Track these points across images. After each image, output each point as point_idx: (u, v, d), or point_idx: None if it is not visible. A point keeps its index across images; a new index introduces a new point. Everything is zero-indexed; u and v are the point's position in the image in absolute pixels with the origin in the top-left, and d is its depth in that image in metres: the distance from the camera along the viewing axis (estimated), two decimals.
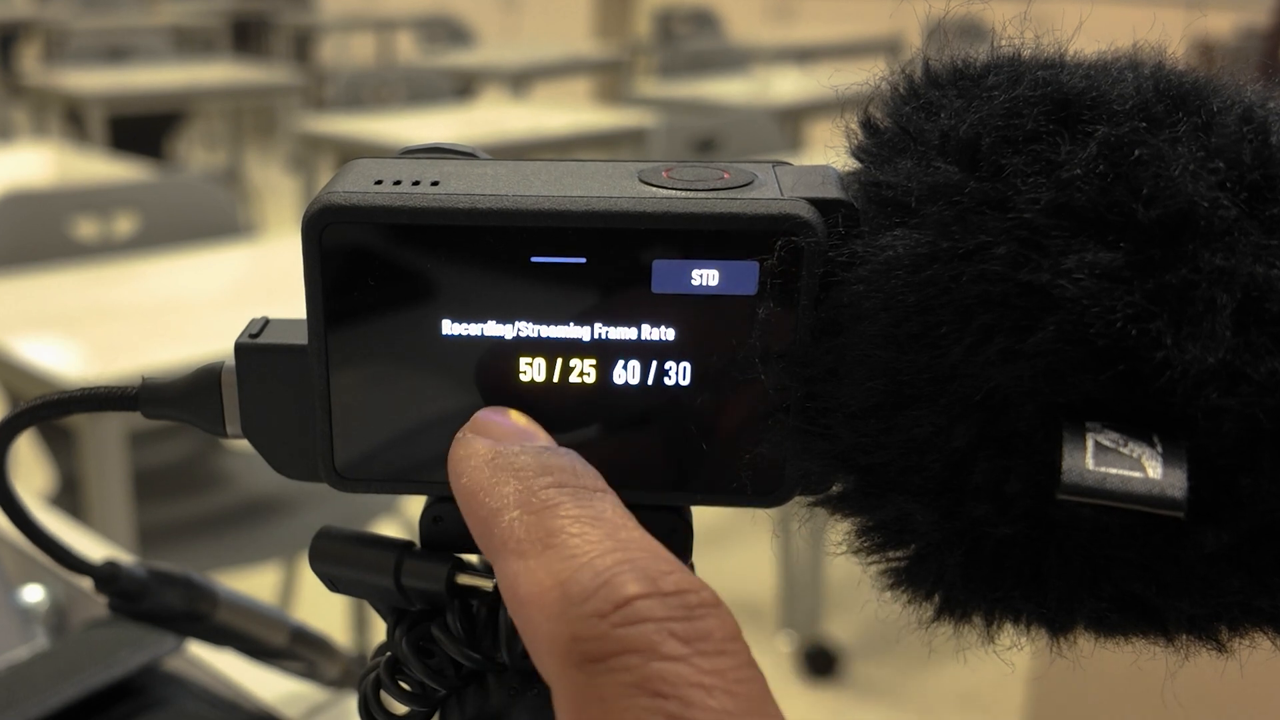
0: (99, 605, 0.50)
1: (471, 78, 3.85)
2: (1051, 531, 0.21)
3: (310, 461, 0.28)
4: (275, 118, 4.41)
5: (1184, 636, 0.22)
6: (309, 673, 0.50)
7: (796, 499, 0.26)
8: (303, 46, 5.71)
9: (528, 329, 0.25)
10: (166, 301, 1.43)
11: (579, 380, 0.25)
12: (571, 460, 0.23)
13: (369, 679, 0.29)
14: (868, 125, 0.25)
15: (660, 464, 0.26)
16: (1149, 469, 0.20)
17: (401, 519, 1.65)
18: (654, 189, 0.25)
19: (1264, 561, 0.21)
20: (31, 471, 1.82)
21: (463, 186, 0.25)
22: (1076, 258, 0.20)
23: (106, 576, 0.40)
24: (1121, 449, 0.20)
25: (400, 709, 0.29)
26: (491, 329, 0.25)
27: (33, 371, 1.20)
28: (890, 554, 0.23)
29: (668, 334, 0.25)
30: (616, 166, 0.26)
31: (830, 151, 0.25)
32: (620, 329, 0.25)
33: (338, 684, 0.52)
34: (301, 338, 0.26)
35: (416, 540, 0.28)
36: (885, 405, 0.22)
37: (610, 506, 0.22)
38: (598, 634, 0.19)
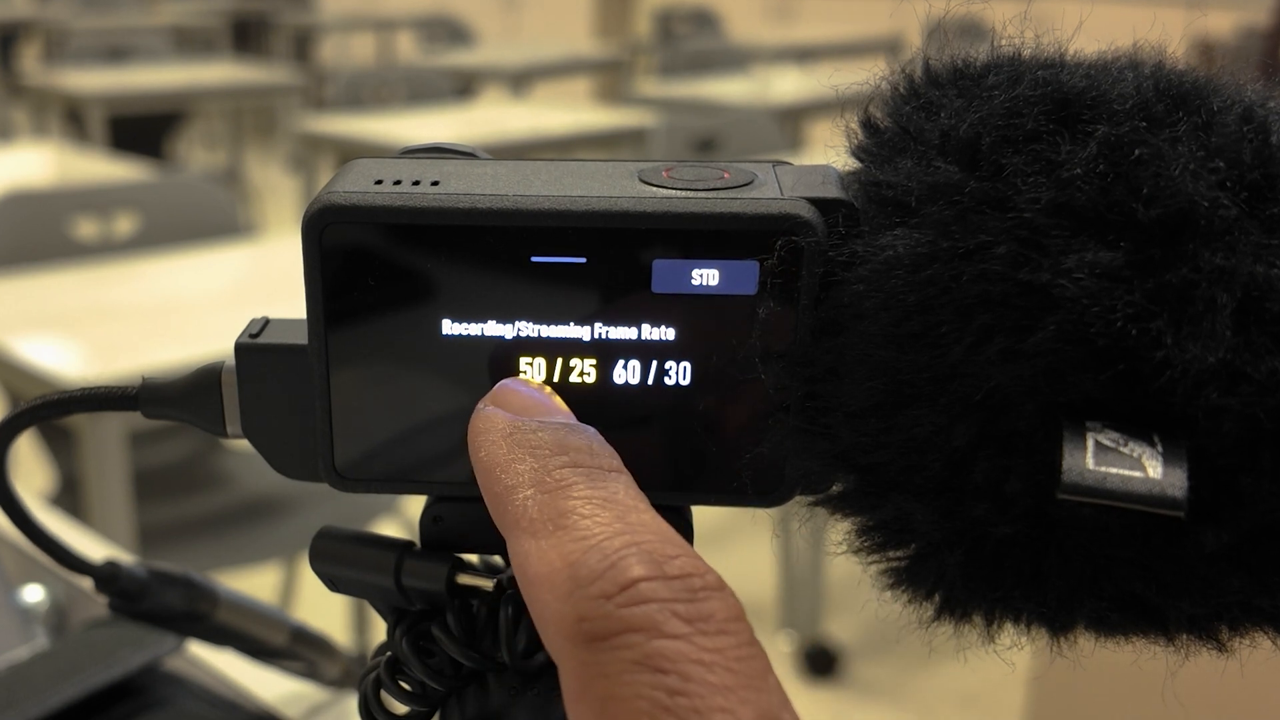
0: (99, 605, 0.50)
1: (471, 78, 3.85)
2: (1052, 531, 0.21)
3: (310, 461, 0.28)
4: (275, 118, 4.41)
5: (1184, 636, 0.22)
6: (309, 673, 0.50)
7: (797, 499, 0.26)
8: (303, 46, 5.71)
9: (528, 329, 0.25)
10: (166, 301, 1.43)
11: (579, 380, 0.25)
12: (589, 439, 0.23)
13: (369, 679, 0.29)
14: (868, 125, 0.25)
15: (660, 464, 0.26)
16: (1149, 468, 0.20)
17: (401, 519, 1.65)
18: (654, 189, 0.25)
19: (1264, 561, 0.21)
20: (31, 471, 1.82)
21: (463, 186, 0.25)
22: (1077, 257, 0.20)
23: (107, 576, 0.40)
24: (1122, 448, 0.20)
25: (400, 709, 0.29)
26: (491, 329, 0.25)
27: (33, 371, 1.20)
28: (890, 553, 0.23)
29: (668, 334, 0.25)
30: (617, 166, 0.26)
31: (830, 151, 0.25)
32: (620, 329, 0.25)
33: (338, 684, 0.52)
34: (302, 338, 0.26)
35: (416, 540, 0.28)
36: (885, 405, 0.22)
37: (623, 488, 0.22)
38: (603, 614, 0.19)
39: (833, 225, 0.24)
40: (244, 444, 0.28)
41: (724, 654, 0.19)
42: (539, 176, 0.25)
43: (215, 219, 1.70)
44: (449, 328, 0.25)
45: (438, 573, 0.28)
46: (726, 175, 0.25)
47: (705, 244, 0.24)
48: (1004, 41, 0.24)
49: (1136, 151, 0.21)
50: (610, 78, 4.98)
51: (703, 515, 0.27)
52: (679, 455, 0.26)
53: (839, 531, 0.24)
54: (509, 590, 0.28)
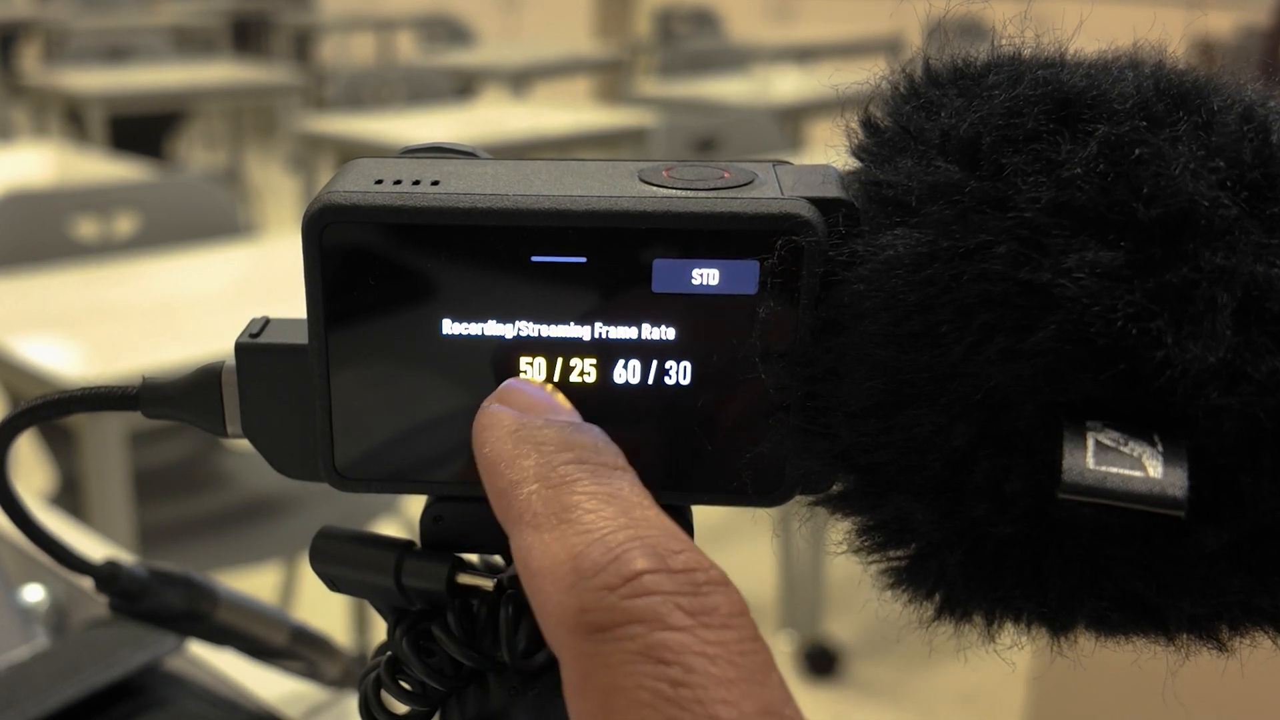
0: (99, 605, 0.50)
1: (471, 77, 3.85)
2: (1052, 531, 0.21)
3: (310, 461, 0.28)
4: (275, 118, 4.41)
5: (1185, 636, 0.22)
6: (309, 672, 0.50)
7: (797, 498, 0.26)
8: (303, 46, 5.71)
9: (528, 329, 0.25)
10: (166, 301, 1.43)
11: (579, 380, 0.25)
12: (594, 436, 0.23)
13: (369, 678, 0.29)
14: (868, 124, 0.25)
15: (661, 463, 0.26)
16: (1149, 468, 0.20)
17: (401, 519, 1.65)
18: (654, 188, 0.24)
19: (1265, 561, 0.21)
20: (32, 471, 1.82)
21: (463, 186, 0.25)
22: (1077, 257, 0.20)
23: (107, 576, 0.40)
24: (1122, 448, 0.20)
25: (401, 708, 0.29)
26: (492, 328, 0.25)
27: (33, 371, 1.20)
28: (891, 553, 0.23)
29: (668, 333, 0.25)
30: (617, 166, 0.26)
31: (830, 151, 0.25)
32: (620, 328, 0.25)
33: (338, 684, 0.52)
34: (302, 337, 0.26)
35: (417, 540, 0.28)
36: (885, 404, 0.22)
37: (628, 485, 0.22)
38: (605, 605, 0.19)
39: (833, 225, 0.24)
40: (244, 444, 0.28)
41: (727, 647, 0.19)
42: (539, 176, 0.25)
43: (215, 219, 1.70)
44: (449, 327, 0.25)
45: (438, 572, 0.28)
46: (727, 175, 0.25)
47: (705, 244, 0.24)
48: (1004, 41, 0.24)
49: (1137, 151, 0.21)
50: (610, 78, 4.98)
51: (703, 515, 0.27)
52: (679, 455, 0.26)
53: (839, 531, 0.24)
54: (509, 590, 0.28)
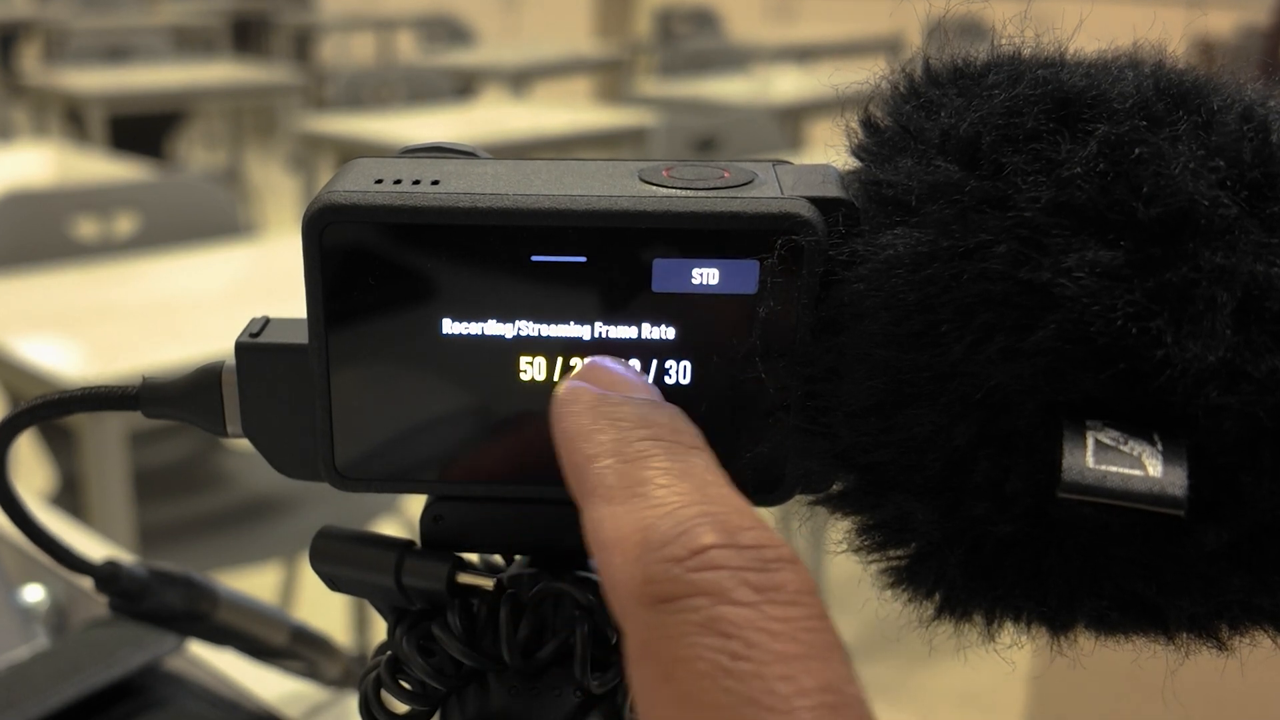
0: (99, 605, 0.50)
1: (471, 77, 3.85)
2: (1052, 530, 0.21)
3: (311, 461, 0.28)
4: (275, 118, 4.41)
5: (1184, 635, 0.22)
6: (309, 672, 0.50)
7: (797, 498, 0.26)
8: (303, 46, 5.71)
9: (528, 328, 0.25)
10: (166, 301, 1.43)
11: None
12: (672, 416, 0.23)
13: (370, 678, 0.29)
14: (868, 124, 0.25)
15: None
16: (1149, 467, 0.20)
17: (402, 519, 1.65)
18: (654, 188, 0.25)
19: (1264, 560, 0.21)
20: (32, 471, 1.82)
21: (463, 186, 0.25)
22: (1077, 256, 0.20)
23: (107, 576, 0.40)
24: (1122, 447, 0.20)
25: (401, 708, 0.29)
26: (492, 328, 0.25)
27: (33, 371, 1.20)
28: (890, 553, 0.23)
29: (668, 333, 0.25)
30: (617, 165, 0.26)
31: (830, 150, 0.25)
32: (620, 328, 0.25)
33: (338, 683, 0.52)
34: (302, 337, 0.26)
35: (417, 539, 0.28)
36: (885, 404, 0.22)
37: (703, 463, 0.22)
38: (671, 576, 0.19)
39: (833, 224, 0.24)
40: (244, 444, 0.28)
41: (791, 624, 0.19)
42: (539, 176, 0.25)
43: (215, 219, 1.70)
44: (449, 327, 0.25)
45: (438, 572, 0.28)
46: (727, 174, 0.25)
47: (705, 243, 0.24)
48: (1004, 41, 0.24)
49: (1137, 150, 0.21)
50: (610, 77, 4.98)
51: None
52: None
53: (839, 530, 0.24)
54: (509, 589, 0.28)
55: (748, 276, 0.24)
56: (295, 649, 0.48)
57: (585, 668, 0.27)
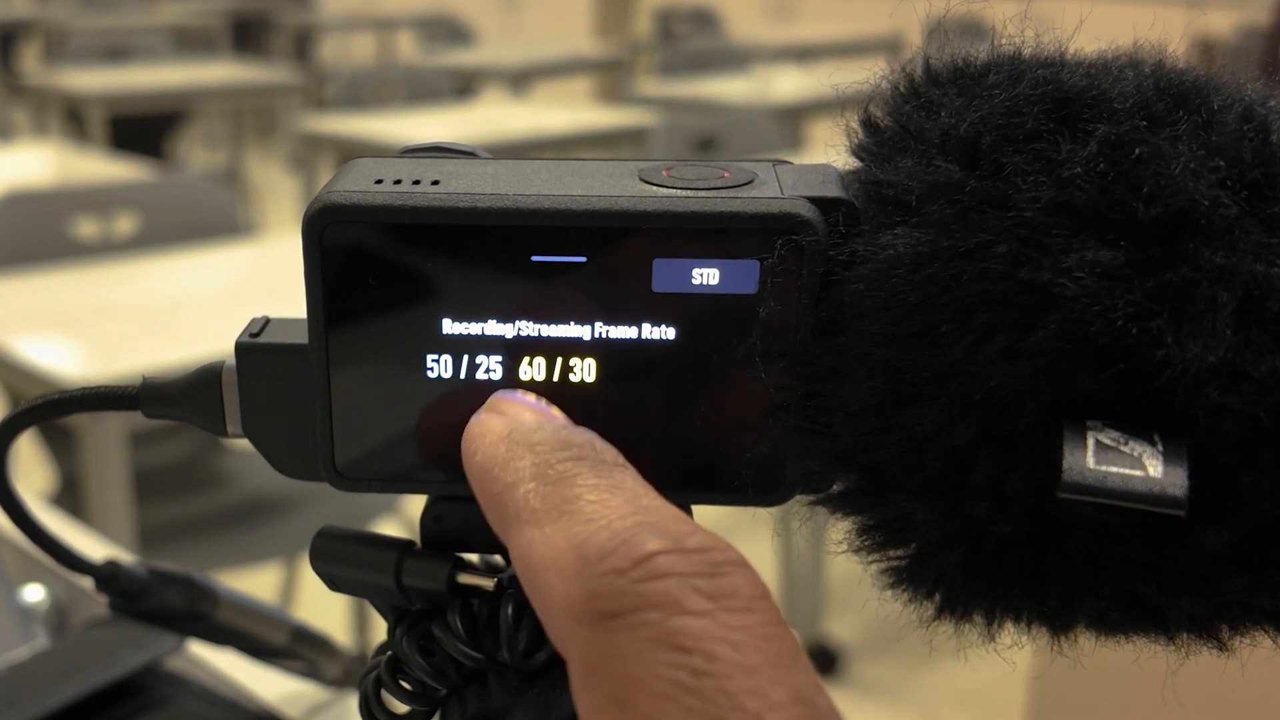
0: (100, 605, 0.50)
1: (471, 77, 3.85)
2: (1052, 530, 0.21)
3: (311, 461, 0.28)
4: (275, 117, 4.41)
5: (1185, 635, 0.22)
6: (310, 672, 0.50)
7: (797, 498, 0.26)
8: (303, 46, 5.71)
9: (528, 328, 0.25)
10: (166, 301, 1.43)
11: (579, 380, 0.25)
12: (590, 437, 0.22)
13: (370, 678, 0.29)
14: (868, 124, 0.25)
15: (661, 463, 0.26)
16: (1149, 467, 0.20)
17: (402, 519, 1.65)
18: (654, 188, 0.24)
19: (1265, 560, 0.21)
20: (32, 471, 1.82)
21: (463, 186, 0.25)
22: (1077, 256, 0.20)
23: (107, 576, 0.40)
24: (1122, 447, 0.20)
25: (401, 708, 0.29)
26: (492, 328, 0.25)
27: (33, 371, 1.20)
28: (891, 553, 0.23)
29: (668, 333, 0.25)
30: (617, 165, 0.26)
31: (831, 150, 0.25)
32: (620, 328, 0.25)
33: (338, 683, 0.52)
34: (302, 337, 0.26)
35: (417, 539, 0.28)
36: (886, 404, 0.22)
37: (630, 478, 0.21)
38: (616, 590, 0.18)
39: (833, 224, 0.23)
40: (244, 444, 0.28)
41: (750, 632, 0.18)
42: (539, 176, 0.25)
43: (215, 219, 1.70)
44: (449, 327, 0.25)
45: (439, 572, 0.28)
46: (727, 174, 0.25)
47: (705, 243, 0.24)
48: (1004, 40, 0.24)
49: (1137, 150, 0.21)
50: (610, 77, 4.98)
51: (703, 515, 0.27)
52: (679, 454, 0.26)
53: (839, 531, 0.24)
54: (510, 589, 0.28)
55: (748, 276, 0.24)
56: (295, 649, 0.48)
57: None
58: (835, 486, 0.24)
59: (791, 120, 3.26)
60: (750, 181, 0.25)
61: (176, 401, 0.29)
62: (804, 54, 4.46)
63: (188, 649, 0.54)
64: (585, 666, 0.18)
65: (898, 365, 0.21)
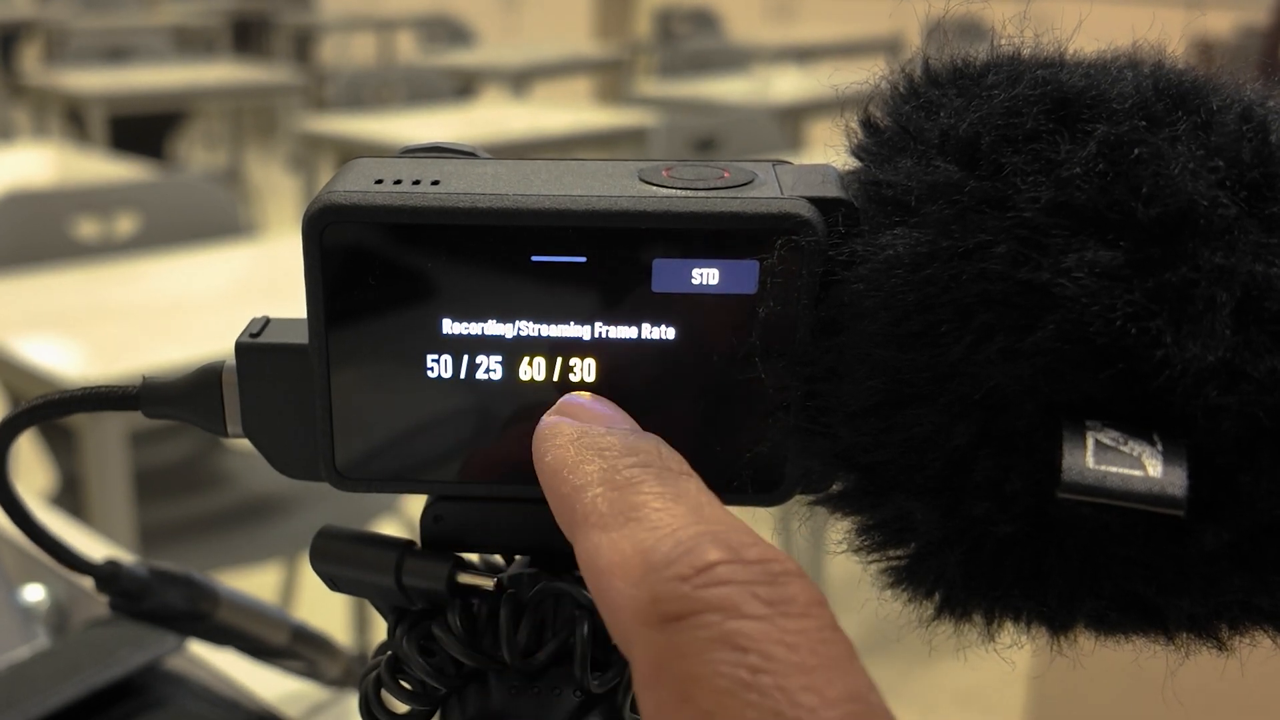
0: (100, 605, 0.50)
1: (472, 77, 3.85)
2: (1052, 530, 0.21)
3: (311, 461, 0.28)
4: (275, 118, 4.41)
5: (1184, 635, 0.22)
6: (310, 672, 0.50)
7: (797, 498, 0.26)
8: (303, 46, 5.71)
9: (528, 328, 0.25)
10: (167, 301, 1.43)
11: (579, 380, 0.25)
12: (656, 444, 0.23)
13: (370, 678, 0.29)
14: (868, 124, 0.25)
15: None
16: (1149, 467, 0.20)
17: (402, 519, 1.65)
18: (654, 188, 0.25)
19: (1264, 559, 0.21)
20: (32, 471, 1.82)
21: (463, 186, 0.25)
22: (1076, 256, 0.20)
23: (107, 576, 0.40)
24: (1121, 447, 0.20)
25: (401, 708, 0.29)
26: (492, 328, 0.25)
27: (33, 371, 1.20)
28: (890, 552, 0.23)
29: (668, 333, 0.25)
30: (617, 166, 0.26)
31: (830, 151, 0.25)
32: (620, 328, 0.25)
33: (339, 683, 0.52)
34: (302, 337, 0.26)
35: (417, 539, 0.28)
36: (885, 404, 0.22)
37: (694, 487, 0.22)
38: (679, 594, 0.19)
39: (833, 224, 0.24)
40: (244, 444, 0.28)
41: (807, 635, 0.18)
42: (539, 176, 0.25)
43: (215, 219, 1.70)
44: (449, 327, 0.25)
45: (439, 572, 0.28)
46: (726, 174, 0.25)
47: (705, 243, 0.24)
48: (1003, 41, 0.24)
49: (1136, 151, 0.21)
50: (610, 78, 4.98)
51: None
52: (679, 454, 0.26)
53: (839, 530, 0.24)
54: (509, 589, 0.28)
55: (748, 276, 0.24)
56: (295, 649, 0.48)
57: (585, 668, 0.27)
58: (835, 486, 0.24)
59: (791, 120, 3.26)
60: (750, 182, 0.25)
61: (176, 401, 0.29)
62: (804, 54, 4.46)
63: (188, 649, 0.54)
64: (650, 666, 0.19)
65: (897, 365, 0.21)
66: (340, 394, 0.26)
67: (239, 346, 0.28)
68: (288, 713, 0.55)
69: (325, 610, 1.14)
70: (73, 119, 3.52)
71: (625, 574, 0.20)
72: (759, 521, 0.28)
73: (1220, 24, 3.63)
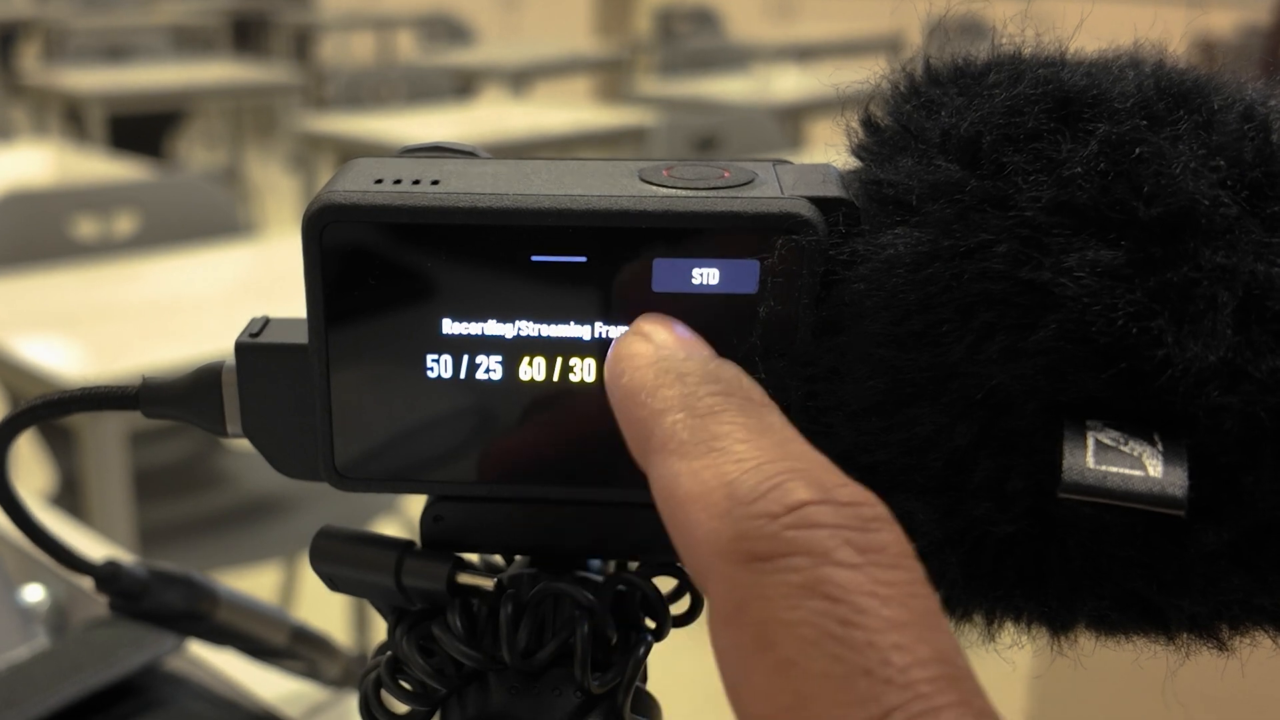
0: (100, 605, 0.50)
1: (471, 76, 3.85)
2: (1052, 530, 0.21)
3: (310, 461, 0.28)
4: (275, 117, 4.41)
5: (1185, 635, 0.22)
6: (309, 672, 0.50)
7: None
8: (303, 45, 5.71)
9: (528, 328, 0.25)
10: (166, 301, 1.43)
11: (579, 380, 0.25)
12: (737, 372, 0.22)
13: (370, 678, 0.29)
14: (868, 123, 0.25)
15: None
16: (1150, 467, 0.20)
17: (402, 519, 1.65)
18: (654, 187, 0.24)
19: (1265, 559, 0.21)
20: (32, 471, 1.82)
21: (463, 185, 0.25)
22: (1078, 256, 0.20)
23: (107, 576, 0.40)
24: (1122, 447, 0.20)
25: (401, 708, 0.29)
26: (492, 328, 0.25)
27: (33, 371, 1.20)
28: None
29: None
30: (617, 165, 0.26)
31: (831, 150, 0.25)
32: (621, 328, 0.25)
33: (338, 683, 0.52)
34: (302, 337, 0.26)
35: (417, 539, 0.28)
36: (886, 404, 0.22)
37: (779, 420, 0.21)
38: (767, 533, 0.18)
39: (833, 224, 0.23)
40: (244, 444, 0.28)
41: (899, 588, 0.17)
42: (539, 175, 0.25)
43: (215, 218, 1.70)
44: (449, 327, 0.25)
45: (439, 572, 0.28)
46: (727, 174, 0.25)
47: (706, 243, 0.24)
48: (1005, 40, 0.24)
49: (1137, 150, 0.21)
50: (610, 77, 4.98)
51: None
52: None
53: None
54: (509, 589, 0.28)
55: (748, 276, 0.24)
56: (295, 649, 0.48)
57: (585, 668, 0.27)
58: None
59: (791, 120, 3.26)
60: (750, 181, 0.25)
61: (176, 401, 0.29)
62: (804, 53, 4.46)
63: (188, 649, 0.54)
64: (729, 605, 0.18)
65: (898, 365, 0.21)
66: (340, 394, 0.26)
67: (238, 346, 0.28)
68: (287, 713, 0.55)
69: (325, 610, 1.14)
70: (72, 118, 3.52)
71: (706, 505, 0.19)
72: None
73: (1222, 23, 3.63)
